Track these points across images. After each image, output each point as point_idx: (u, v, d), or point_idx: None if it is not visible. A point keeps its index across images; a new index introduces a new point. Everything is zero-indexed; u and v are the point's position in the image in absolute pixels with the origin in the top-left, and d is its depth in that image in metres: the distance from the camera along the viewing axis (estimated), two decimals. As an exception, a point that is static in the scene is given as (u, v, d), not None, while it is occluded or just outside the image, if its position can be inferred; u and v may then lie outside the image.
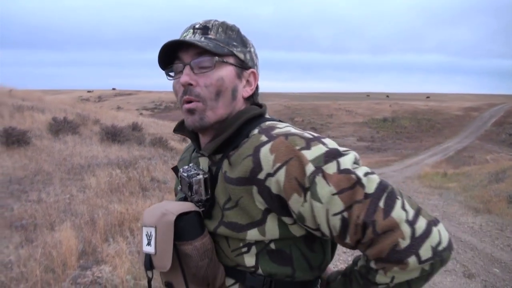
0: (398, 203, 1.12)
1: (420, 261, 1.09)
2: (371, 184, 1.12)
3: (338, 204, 1.11)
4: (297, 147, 1.16)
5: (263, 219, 1.23)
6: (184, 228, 1.25)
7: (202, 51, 1.29)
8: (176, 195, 1.66)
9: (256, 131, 1.29)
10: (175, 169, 1.55)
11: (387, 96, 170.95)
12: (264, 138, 1.22)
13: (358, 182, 1.12)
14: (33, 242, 5.56)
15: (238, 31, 1.39)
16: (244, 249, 1.27)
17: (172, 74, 1.39)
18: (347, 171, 1.13)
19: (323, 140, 1.21)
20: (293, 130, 1.25)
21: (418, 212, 1.15)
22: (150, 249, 1.30)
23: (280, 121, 1.40)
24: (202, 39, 1.31)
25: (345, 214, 1.11)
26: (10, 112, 16.26)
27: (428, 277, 1.17)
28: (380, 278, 1.18)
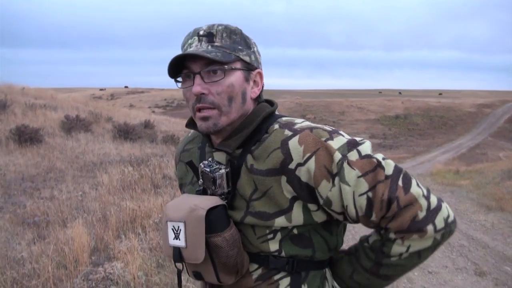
0: (414, 181, 1.27)
1: (436, 230, 1.25)
2: (389, 167, 1.27)
3: (363, 185, 1.24)
4: (323, 139, 1.28)
5: (290, 207, 1.32)
6: (214, 221, 1.30)
7: (211, 61, 1.32)
8: (181, 185, 1.74)
9: (276, 126, 1.37)
10: (190, 163, 1.54)
11: (400, 93, 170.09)
12: (288, 132, 1.32)
13: (378, 165, 1.26)
14: (45, 238, 5.60)
15: (241, 33, 1.42)
16: (270, 236, 1.36)
17: (181, 81, 1.42)
18: (368, 156, 1.27)
19: (340, 132, 1.34)
20: (312, 124, 1.35)
21: (429, 190, 1.29)
22: (180, 243, 1.34)
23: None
24: (209, 47, 1.35)
25: (370, 193, 1.24)
26: (23, 110, 16.37)
27: (436, 247, 1.30)
28: (396, 247, 1.30)
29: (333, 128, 1.34)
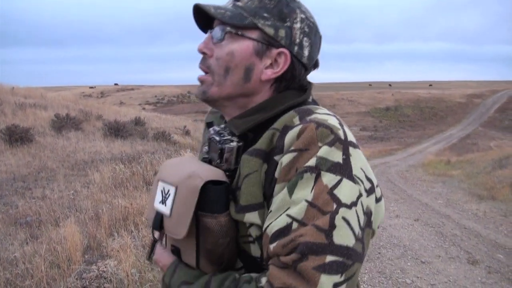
0: (336, 279, 0.92)
1: None
2: (339, 234, 0.94)
3: (300, 212, 0.95)
4: (320, 143, 0.99)
5: (263, 204, 1.08)
6: (212, 198, 1.09)
7: (223, 21, 1.15)
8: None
9: (292, 111, 1.11)
10: (210, 125, 1.36)
11: (390, 85, 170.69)
12: (297, 120, 1.07)
13: (331, 216, 0.94)
14: (37, 238, 5.59)
15: (278, 1, 1.17)
16: (251, 238, 1.11)
17: None
18: (335, 199, 0.96)
19: (352, 150, 1.03)
20: (330, 121, 1.04)
21: None
22: (165, 209, 1.16)
23: (317, 104, 1.23)
24: (230, 5, 1.18)
25: (295, 224, 0.95)
26: (13, 110, 16.30)
27: None
28: None
29: (349, 140, 1.03)
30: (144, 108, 67.17)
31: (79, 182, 8.73)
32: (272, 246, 0.97)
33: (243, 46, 1.15)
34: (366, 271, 5.90)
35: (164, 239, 1.31)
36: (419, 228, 8.13)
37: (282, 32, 1.15)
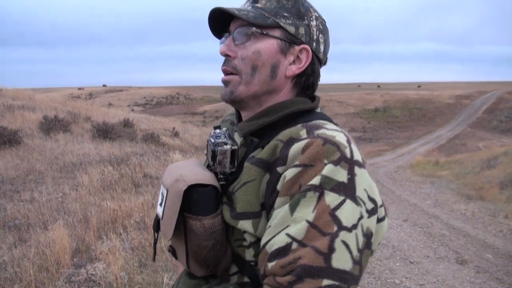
0: None
1: None
2: (337, 258, 0.94)
3: (300, 232, 0.96)
4: (325, 160, 1.00)
5: (259, 213, 1.10)
6: (196, 201, 1.12)
7: (246, 23, 1.19)
8: None
9: (300, 124, 1.14)
10: (217, 128, 1.37)
11: (378, 86, 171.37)
12: (303, 133, 1.09)
13: (331, 239, 0.94)
14: (26, 242, 5.56)
15: (296, 1, 1.22)
16: (245, 243, 1.14)
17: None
18: (336, 220, 0.96)
19: (357, 170, 1.03)
20: (338, 137, 1.05)
21: None
22: (160, 212, 1.23)
23: (330, 121, 1.26)
24: (249, 7, 1.22)
25: (295, 245, 0.95)
26: (1, 111, 16.20)
27: None
28: None
29: (355, 159, 1.03)
30: (133, 110, 66.98)
31: (68, 184, 8.69)
32: (270, 265, 0.97)
33: (268, 45, 1.19)
34: (355, 272, 5.91)
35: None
36: (408, 228, 8.16)
37: (302, 30, 1.21)
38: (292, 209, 0.98)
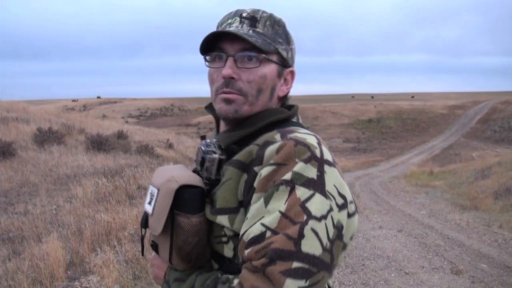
0: (301, 284, 0.99)
1: None
2: (306, 243, 1.01)
3: (273, 222, 1.04)
4: (297, 159, 1.09)
5: (236, 209, 1.19)
6: (186, 200, 1.21)
7: (249, 46, 1.25)
8: None
9: (275, 130, 1.24)
10: (203, 138, 1.44)
11: (372, 97, 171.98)
12: (278, 137, 1.19)
13: (301, 226, 1.02)
14: (20, 254, 5.54)
15: (284, 27, 1.33)
16: (224, 239, 1.23)
17: (209, 60, 1.34)
18: (306, 211, 1.04)
19: (327, 168, 1.12)
20: (309, 139, 1.15)
21: None
22: (149, 209, 1.30)
23: (302, 127, 1.32)
24: (250, 31, 1.28)
25: (268, 233, 1.03)
26: (-5, 124, 16.18)
27: None
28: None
29: (325, 158, 1.13)
30: (127, 121, 66.97)
31: (62, 196, 8.67)
32: (247, 252, 1.06)
33: (271, 70, 1.29)
34: (350, 283, 5.91)
35: (149, 236, 1.44)
36: (403, 239, 8.16)
37: (290, 54, 1.34)
38: (266, 201, 1.07)
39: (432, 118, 79.93)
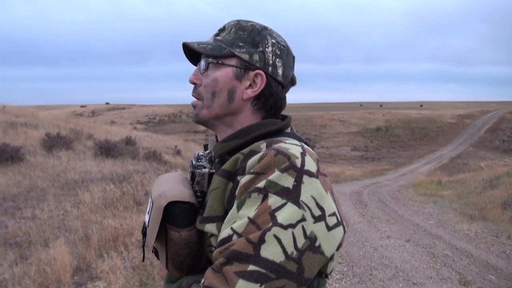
0: (254, 286, 0.99)
1: None
2: (266, 248, 1.02)
3: (241, 226, 1.06)
4: (276, 169, 1.10)
5: (223, 217, 1.21)
6: (176, 215, 1.27)
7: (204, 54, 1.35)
8: None
9: (263, 140, 1.26)
10: (206, 147, 1.54)
11: (381, 106, 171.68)
12: (263, 146, 1.21)
13: (263, 232, 1.03)
14: (27, 259, 5.54)
15: (251, 31, 1.36)
16: (213, 248, 1.25)
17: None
18: (273, 219, 1.04)
19: (306, 178, 1.11)
20: (292, 149, 1.15)
21: None
22: (146, 219, 1.38)
23: (299, 139, 1.34)
24: (212, 40, 1.38)
25: (234, 236, 1.06)
26: (4, 128, 16.24)
27: None
28: None
29: (307, 169, 1.12)
30: (135, 128, 67.16)
31: (69, 202, 8.68)
32: (214, 252, 1.10)
33: (224, 73, 1.34)
34: (357, 292, 5.88)
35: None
36: (411, 248, 8.12)
37: (256, 57, 1.34)
38: (239, 207, 1.11)
39: (440, 127, 79.70)
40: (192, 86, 1.42)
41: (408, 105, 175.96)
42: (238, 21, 1.39)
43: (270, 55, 1.36)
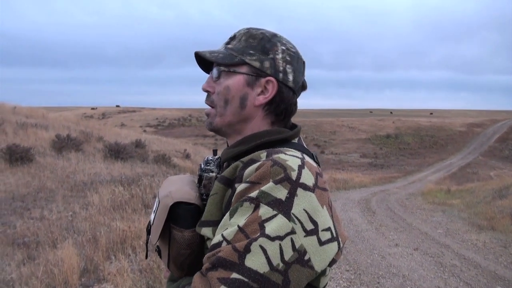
0: None
1: None
2: (251, 258, 1.03)
3: (230, 234, 1.08)
4: (271, 180, 1.12)
5: (219, 222, 1.22)
6: (180, 215, 1.30)
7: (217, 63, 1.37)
8: None
9: (264, 149, 1.28)
10: (215, 152, 1.56)
11: (391, 113, 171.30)
12: (263, 156, 1.23)
13: (249, 242, 1.04)
14: (35, 259, 5.55)
15: (261, 39, 1.38)
16: None
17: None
18: (262, 229, 1.06)
19: (300, 191, 1.12)
20: (290, 161, 1.17)
21: None
22: (152, 218, 1.41)
23: (304, 151, 1.35)
24: (223, 49, 1.40)
25: (224, 243, 1.08)
26: (14, 129, 16.32)
27: None
28: None
29: (302, 182, 1.13)
30: (145, 131, 67.26)
31: (78, 203, 8.71)
32: (204, 257, 1.12)
33: (235, 80, 1.35)
34: (364, 300, 5.85)
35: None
36: (419, 257, 8.08)
37: (267, 64, 1.35)
38: (231, 215, 1.13)
39: (450, 136, 79.40)
40: (205, 93, 1.44)
41: (418, 113, 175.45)
42: (248, 29, 1.41)
43: (281, 61, 1.37)
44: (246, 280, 1.01)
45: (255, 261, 1.03)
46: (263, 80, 1.36)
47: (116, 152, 15.18)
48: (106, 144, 16.40)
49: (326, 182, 1.24)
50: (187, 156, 21.17)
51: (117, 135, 22.75)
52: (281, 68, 1.37)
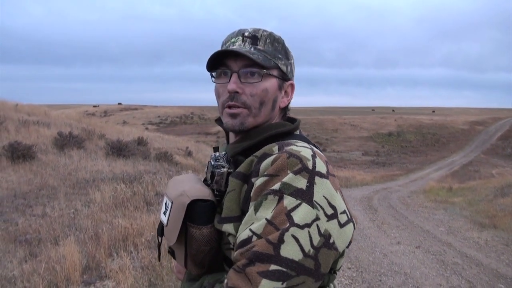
0: (277, 285, 1.06)
1: None
2: (286, 248, 1.08)
3: (259, 228, 1.13)
4: (289, 171, 1.18)
5: (239, 217, 1.27)
6: (198, 213, 1.32)
7: (251, 63, 1.37)
8: None
9: (274, 143, 1.34)
10: (215, 149, 1.60)
11: (393, 111, 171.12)
12: (276, 149, 1.28)
13: (282, 232, 1.09)
14: (37, 256, 5.56)
15: (283, 44, 1.46)
16: (231, 246, 1.31)
17: (215, 76, 1.46)
18: (290, 219, 1.11)
19: (318, 179, 1.18)
20: (303, 152, 1.23)
21: None
22: (164, 219, 1.41)
23: (307, 141, 1.41)
24: (252, 49, 1.41)
25: (254, 238, 1.12)
26: (16, 126, 16.33)
27: None
28: None
29: (318, 170, 1.20)
30: (147, 128, 67.33)
31: (80, 200, 8.71)
32: (235, 254, 1.16)
33: (272, 83, 1.41)
34: (366, 298, 5.85)
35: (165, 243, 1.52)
36: (420, 255, 8.07)
37: (289, 68, 1.47)
38: (256, 209, 1.17)
39: (452, 134, 79.36)
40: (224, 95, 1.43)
41: (421, 111, 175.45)
42: (270, 33, 1.45)
43: (293, 66, 1.51)
44: (284, 269, 1.07)
45: (290, 250, 1.08)
46: (287, 84, 1.48)
47: (118, 150, 15.18)
48: (108, 142, 16.41)
49: (333, 169, 1.30)
50: (189, 154, 21.18)
51: (119, 132, 22.76)
52: (294, 73, 1.51)
